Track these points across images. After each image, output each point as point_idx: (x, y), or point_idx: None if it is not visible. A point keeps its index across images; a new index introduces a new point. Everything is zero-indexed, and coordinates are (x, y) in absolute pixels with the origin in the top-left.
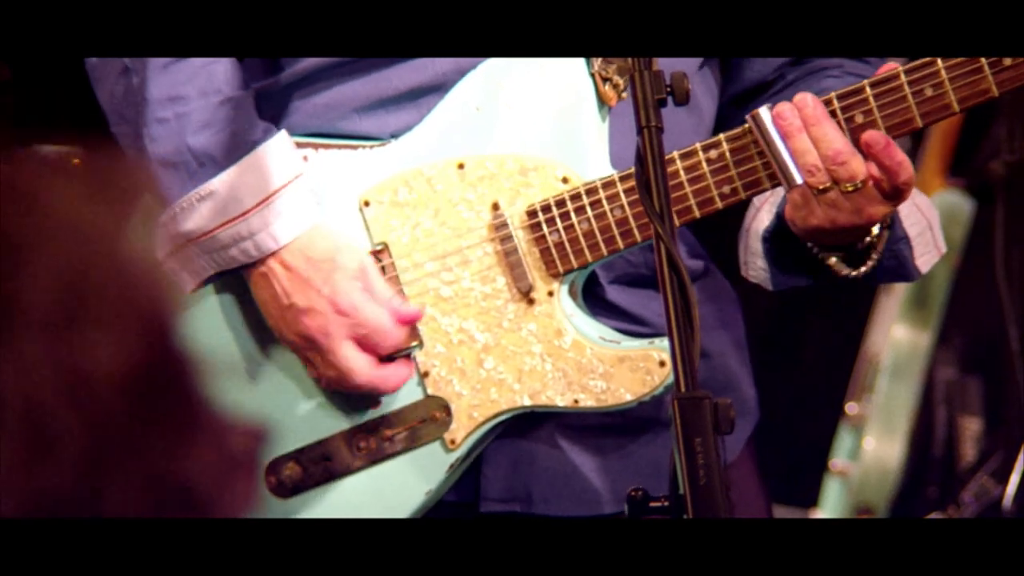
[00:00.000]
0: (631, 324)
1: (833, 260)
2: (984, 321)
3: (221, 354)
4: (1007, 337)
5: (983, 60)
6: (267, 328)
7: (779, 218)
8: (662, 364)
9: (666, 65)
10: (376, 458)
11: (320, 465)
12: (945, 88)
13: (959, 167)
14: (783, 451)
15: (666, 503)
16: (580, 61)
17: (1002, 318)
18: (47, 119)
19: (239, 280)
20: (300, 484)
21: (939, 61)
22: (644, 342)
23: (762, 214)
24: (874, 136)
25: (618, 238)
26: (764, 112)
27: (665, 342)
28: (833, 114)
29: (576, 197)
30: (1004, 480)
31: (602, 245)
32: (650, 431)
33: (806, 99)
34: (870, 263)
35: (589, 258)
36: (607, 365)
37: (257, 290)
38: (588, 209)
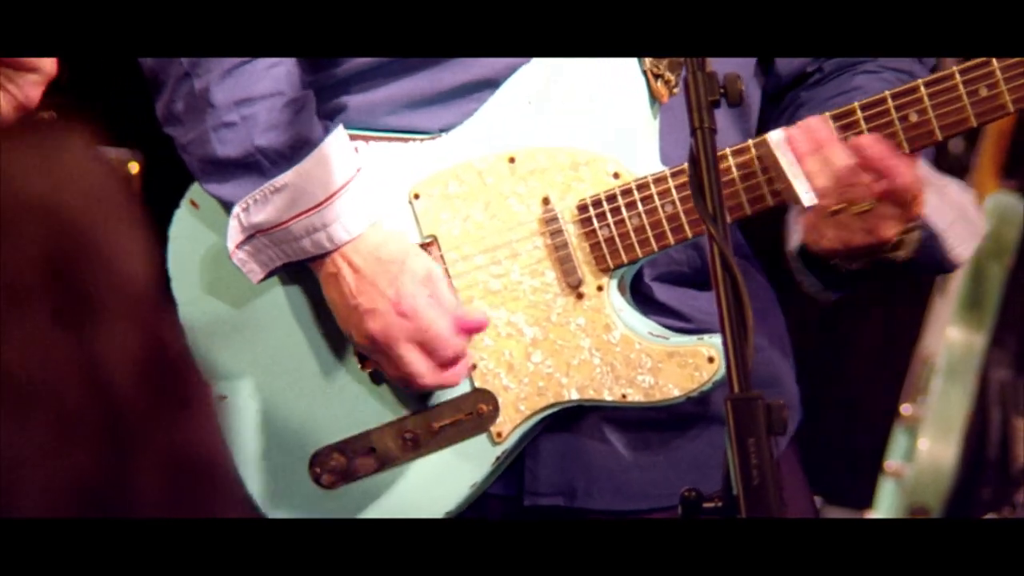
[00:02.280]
0: (675, 320)
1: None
2: None
3: (274, 344)
4: None
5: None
6: (318, 320)
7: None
8: (710, 360)
9: (719, 66)
10: (422, 450)
11: (366, 456)
12: (1000, 88)
13: (1013, 169)
14: (838, 452)
15: (720, 503)
16: (632, 58)
17: None
18: (104, 122)
19: (297, 272)
20: (345, 475)
21: (994, 61)
22: (693, 338)
23: (794, 234)
24: (864, 139)
25: (668, 233)
26: (776, 135)
27: (714, 338)
28: (887, 112)
29: (627, 192)
30: None
31: (652, 240)
32: (696, 426)
33: (816, 122)
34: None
35: (639, 253)
36: (655, 360)
37: (327, 289)
38: (639, 204)
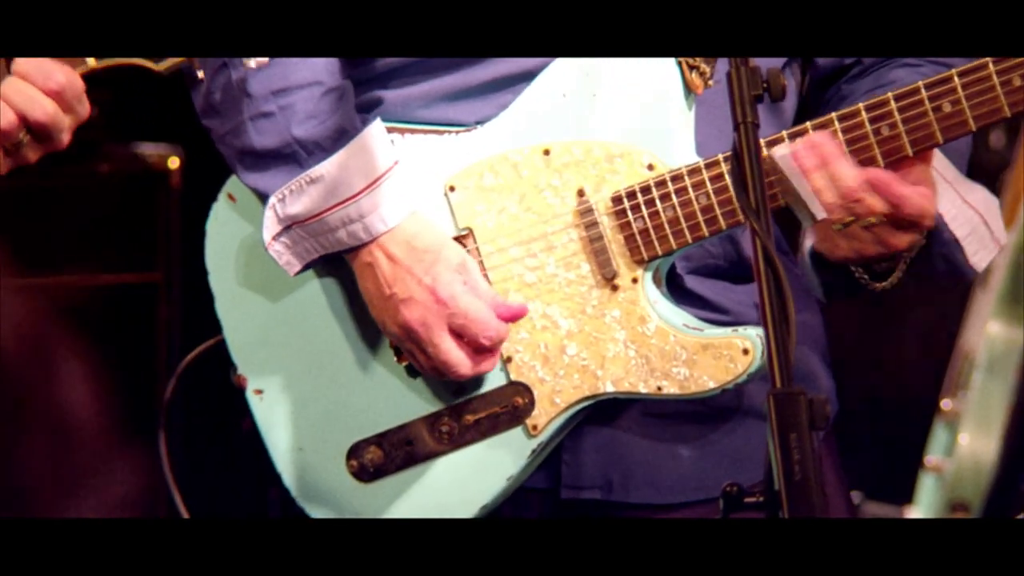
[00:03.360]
0: (711, 312)
1: (865, 278)
2: None
3: (310, 338)
4: None
5: (996, 79)
6: (354, 313)
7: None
8: (745, 352)
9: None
10: (458, 443)
11: (402, 449)
12: (962, 105)
13: None
14: (878, 447)
15: (761, 499)
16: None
17: None
18: (144, 117)
19: (334, 265)
20: (382, 468)
21: (956, 77)
22: (728, 330)
23: (807, 238)
24: (873, 173)
25: (703, 225)
26: (781, 150)
27: (749, 330)
28: (920, 103)
29: (661, 184)
30: None
31: (687, 232)
32: (731, 420)
33: (821, 137)
34: (896, 275)
35: (674, 245)
36: (690, 352)
37: (362, 280)
38: (673, 196)
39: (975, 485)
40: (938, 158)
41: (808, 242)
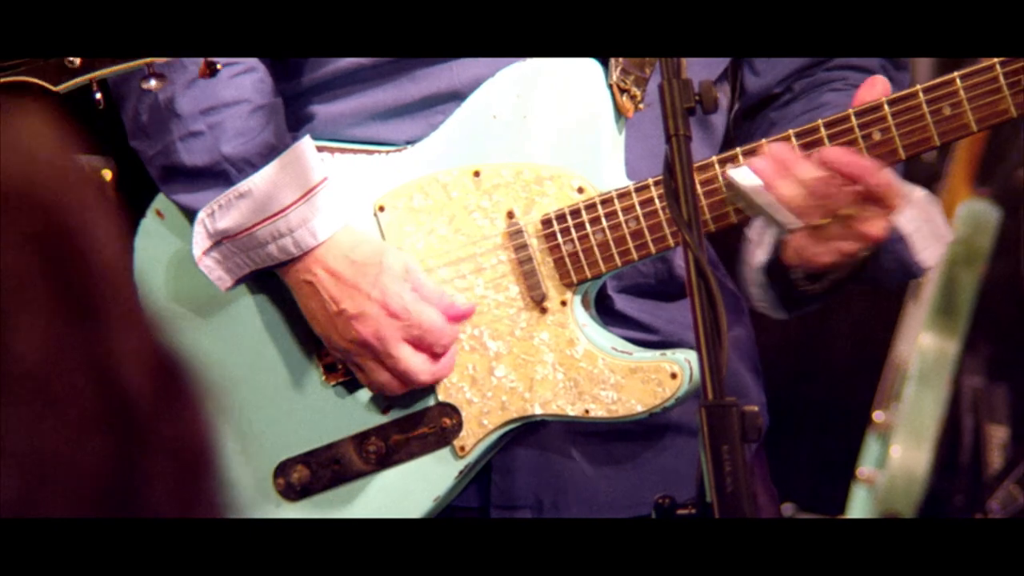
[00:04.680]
0: (640, 332)
1: (808, 285)
2: (1011, 328)
3: (240, 355)
4: None
5: (1002, 80)
6: (284, 331)
7: (777, 251)
8: (674, 376)
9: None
10: (385, 463)
11: (329, 468)
12: (964, 108)
13: (985, 176)
14: (810, 459)
15: (693, 510)
16: (598, 72)
17: None
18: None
19: (263, 282)
20: (309, 487)
21: (958, 80)
22: (656, 353)
23: (760, 250)
24: (828, 150)
25: (632, 250)
26: (736, 172)
27: (678, 354)
28: (850, 131)
29: (591, 207)
30: None
31: (616, 256)
32: (663, 437)
33: (777, 146)
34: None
35: (603, 269)
36: (619, 376)
37: (303, 299)
38: (603, 219)
39: (907, 497)
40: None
41: (759, 257)
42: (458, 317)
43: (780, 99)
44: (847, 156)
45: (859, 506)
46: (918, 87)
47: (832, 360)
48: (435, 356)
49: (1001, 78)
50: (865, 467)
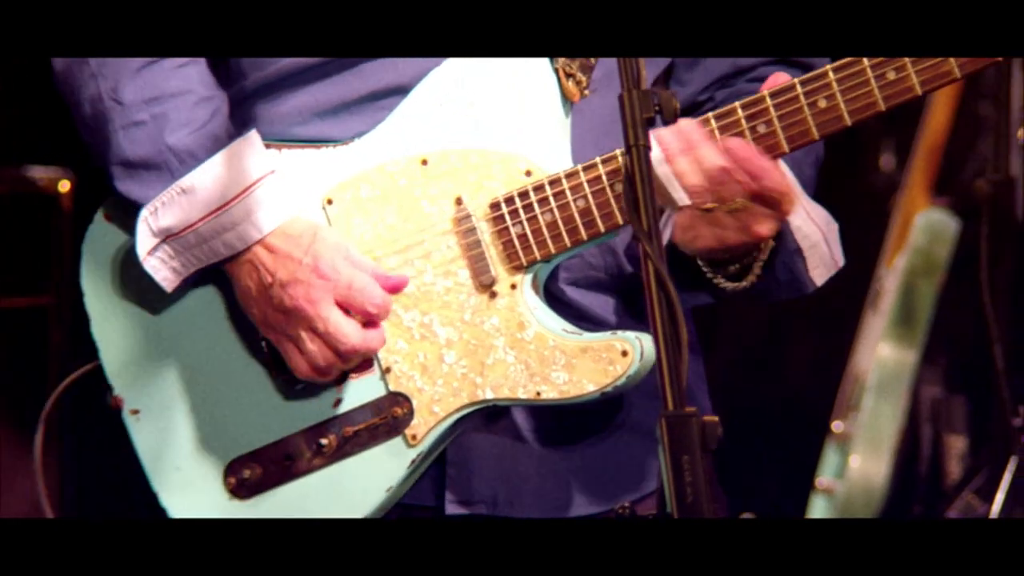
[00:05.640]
0: (591, 325)
1: (719, 277)
2: (969, 339)
3: (186, 355)
4: (992, 355)
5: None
6: (231, 329)
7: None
8: (624, 354)
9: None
10: (337, 456)
11: (281, 464)
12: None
13: (944, 186)
14: (769, 469)
15: (654, 518)
16: (543, 58)
17: (987, 336)
18: (34, 140)
19: (209, 282)
20: (260, 484)
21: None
22: (607, 333)
23: (665, 230)
24: (732, 142)
25: (581, 228)
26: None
27: (627, 333)
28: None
29: (539, 189)
30: (989, 498)
31: (565, 236)
32: (615, 434)
33: (686, 123)
34: (751, 277)
35: (552, 249)
36: (569, 356)
37: (242, 280)
38: (551, 200)
39: (866, 506)
40: (787, 172)
41: (664, 235)
42: (391, 287)
43: (704, 107)
44: (750, 152)
45: (818, 515)
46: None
47: (791, 370)
48: (366, 323)
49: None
50: (824, 477)
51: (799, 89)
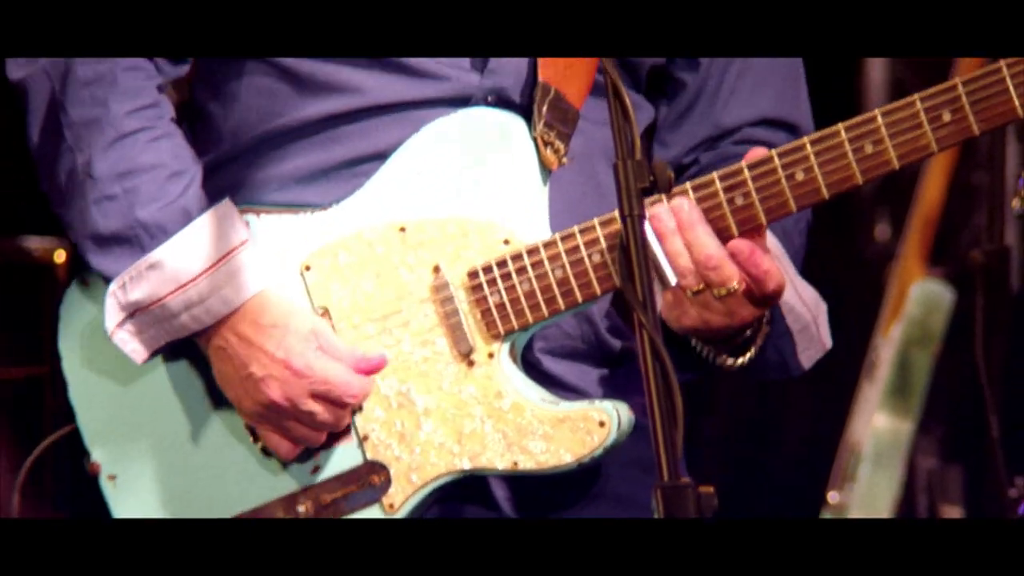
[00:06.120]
0: (568, 394)
1: (712, 354)
2: (965, 410)
3: (163, 420)
4: (988, 425)
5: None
6: (207, 395)
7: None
8: (602, 424)
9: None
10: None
11: None
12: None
13: (939, 256)
14: None
15: None
16: (522, 126)
17: (983, 407)
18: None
19: (184, 346)
20: None
21: (879, 117)
22: (584, 402)
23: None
24: (739, 244)
25: (559, 298)
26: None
27: (605, 403)
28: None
29: (517, 258)
30: None
31: (543, 305)
32: (593, 504)
33: (683, 203)
34: (748, 355)
35: (530, 319)
36: (547, 426)
37: (217, 363)
38: (529, 269)
39: None
40: (777, 247)
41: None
42: (369, 369)
43: (689, 170)
44: (754, 256)
45: None
46: (840, 125)
47: (787, 440)
48: (346, 406)
49: (922, 113)
50: None
51: (777, 161)
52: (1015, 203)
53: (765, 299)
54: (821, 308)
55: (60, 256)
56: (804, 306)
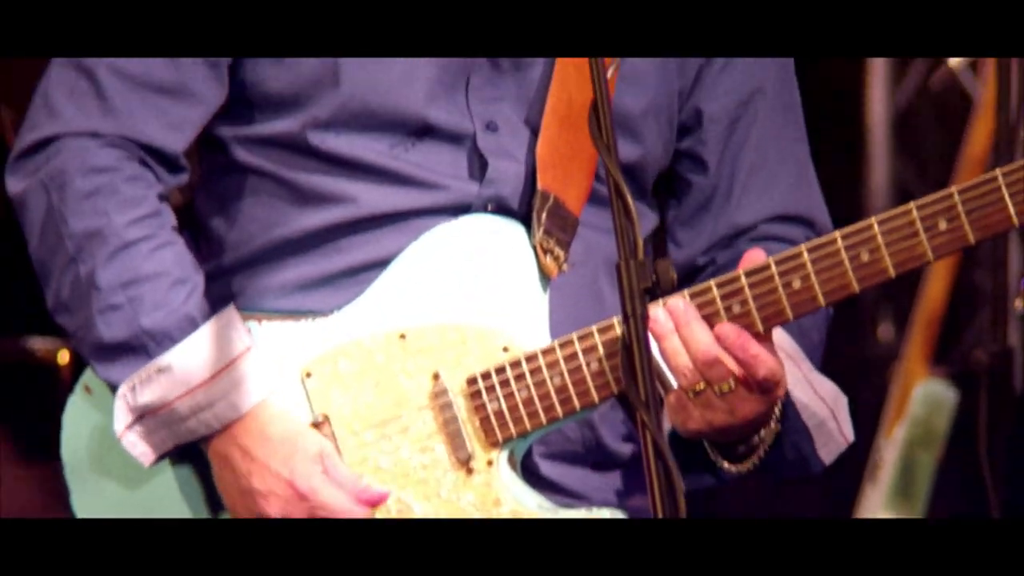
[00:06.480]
0: (569, 499)
1: (721, 460)
2: (969, 510)
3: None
4: None
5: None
6: (210, 502)
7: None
8: None
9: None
10: None
11: None
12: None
13: (943, 356)
14: None
15: None
16: (522, 233)
17: (987, 507)
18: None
19: (189, 454)
20: None
21: (875, 226)
22: (582, 509)
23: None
24: (725, 329)
25: (557, 405)
26: None
27: (604, 510)
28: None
29: (516, 365)
30: None
31: (541, 413)
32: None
33: (678, 302)
34: (751, 461)
35: (528, 426)
36: None
37: (219, 470)
38: (528, 377)
39: None
40: (791, 346)
41: (666, 425)
42: (371, 502)
43: (706, 271)
44: (742, 339)
45: None
46: (836, 233)
47: None
48: None
49: (918, 222)
50: None
51: (774, 269)
52: (1018, 303)
53: (760, 387)
54: (841, 402)
55: (64, 357)
56: (821, 401)
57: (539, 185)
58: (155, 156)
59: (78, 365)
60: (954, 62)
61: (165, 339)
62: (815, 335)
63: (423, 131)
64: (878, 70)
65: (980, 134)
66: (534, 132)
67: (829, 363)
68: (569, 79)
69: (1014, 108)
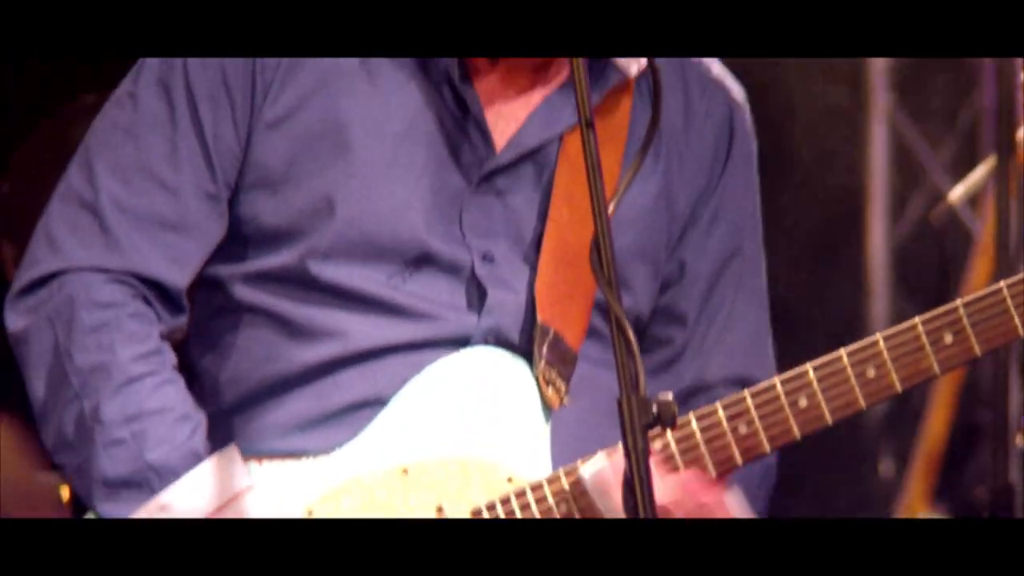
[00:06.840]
0: None
1: None
2: None
3: None
4: None
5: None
6: None
7: None
8: None
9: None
10: None
11: None
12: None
13: (944, 493)
14: None
15: None
16: (523, 365)
17: None
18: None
19: None
20: None
21: (881, 342)
22: None
23: None
24: (682, 479)
25: None
26: (586, 470)
27: None
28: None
29: (521, 494)
30: None
31: None
32: None
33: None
34: None
35: None
36: None
37: None
38: (533, 506)
39: None
40: (741, 504)
41: None
42: None
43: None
44: (698, 491)
45: None
46: (842, 351)
47: None
48: None
49: (923, 336)
50: None
51: (779, 388)
52: (1019, 440)
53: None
54: None
55: (65, 492)
56: None
57: (539, 319)
58: (158, 293)
59: (79, 502)
60: (954, 197)
61: (169, 474)
62: (759, 495)
63: (421, 259)
64: (878, 205)
65: (980, 271)
66: (531, 268)
67: (831, 499)
68: (563, 219)
69: (1014, 245)
